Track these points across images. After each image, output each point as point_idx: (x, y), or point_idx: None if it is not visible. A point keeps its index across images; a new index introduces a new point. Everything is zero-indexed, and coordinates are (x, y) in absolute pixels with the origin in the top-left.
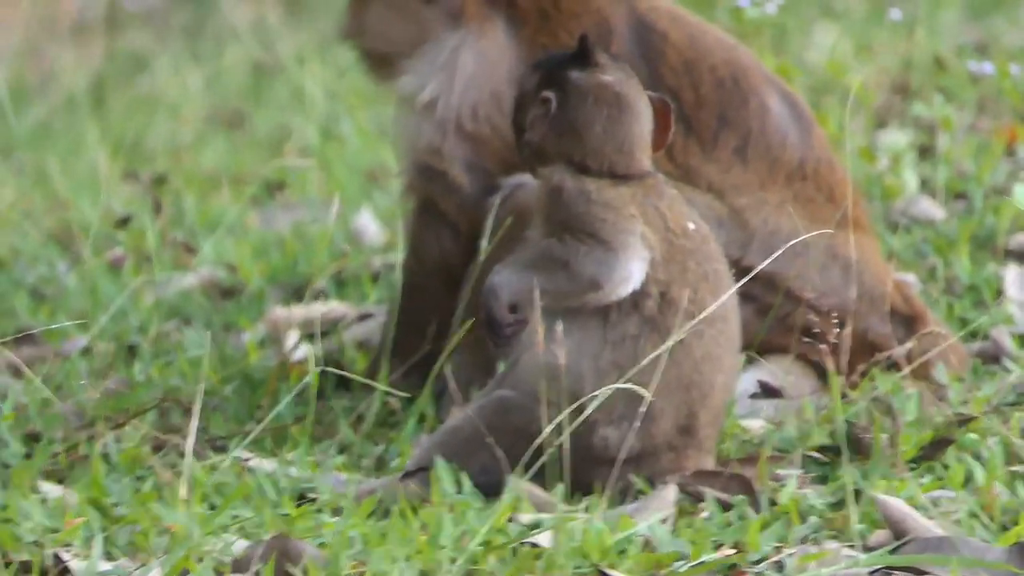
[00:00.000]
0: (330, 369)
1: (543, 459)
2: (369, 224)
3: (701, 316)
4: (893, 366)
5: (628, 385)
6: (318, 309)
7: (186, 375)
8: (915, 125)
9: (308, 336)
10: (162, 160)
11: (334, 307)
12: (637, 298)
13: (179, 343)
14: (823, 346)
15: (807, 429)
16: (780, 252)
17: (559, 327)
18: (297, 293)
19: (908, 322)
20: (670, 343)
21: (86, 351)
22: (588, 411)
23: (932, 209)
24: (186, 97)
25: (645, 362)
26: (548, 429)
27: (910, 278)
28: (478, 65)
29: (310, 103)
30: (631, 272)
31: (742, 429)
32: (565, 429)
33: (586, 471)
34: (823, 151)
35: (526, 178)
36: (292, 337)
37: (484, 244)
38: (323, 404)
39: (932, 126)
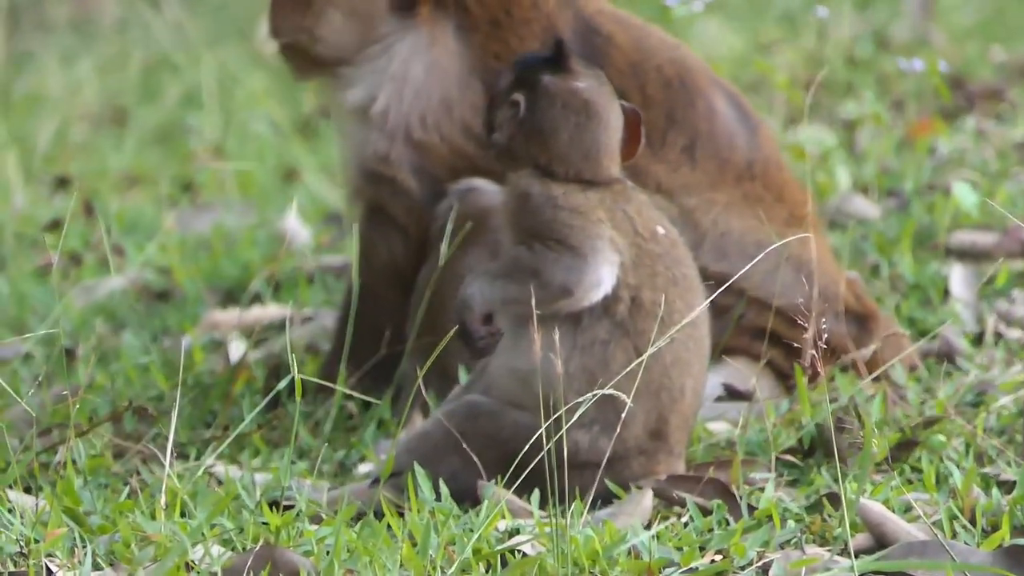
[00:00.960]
0: (303, 376)
1: (517, 465)
2: (295, 226)
3: (681, 324)
4: (849, 366)
5: (608, 391)
6: (257, 312)
7: (133, 381)
8: (830, 121)
9: (250, 339)
10: (62, 161)
11: (273, 310)
12: (608, 303)
13: (118, 348)
14: (794, 347)
15: (775, 432)
16: (757, 260)
17: (531, 332)
18: (231, 296)
19: (861, 320)
20: (650, 352)
21: (27, 357)
22: (569, 418)
23: (866, 207)
24: (73, 94)
25: (626, 370)
26: (534, 437)
27: (855, 277)
28: (429, 74)
29: (208, 99)
30: (601, 277)
31: (708, 432)
32: (545, 436)
33: (557, 475)
34: (771, 151)
35: (476, 182)
36: (236, 341)
37: (443, 249)
38: (279, 409)
39: (848, 122)
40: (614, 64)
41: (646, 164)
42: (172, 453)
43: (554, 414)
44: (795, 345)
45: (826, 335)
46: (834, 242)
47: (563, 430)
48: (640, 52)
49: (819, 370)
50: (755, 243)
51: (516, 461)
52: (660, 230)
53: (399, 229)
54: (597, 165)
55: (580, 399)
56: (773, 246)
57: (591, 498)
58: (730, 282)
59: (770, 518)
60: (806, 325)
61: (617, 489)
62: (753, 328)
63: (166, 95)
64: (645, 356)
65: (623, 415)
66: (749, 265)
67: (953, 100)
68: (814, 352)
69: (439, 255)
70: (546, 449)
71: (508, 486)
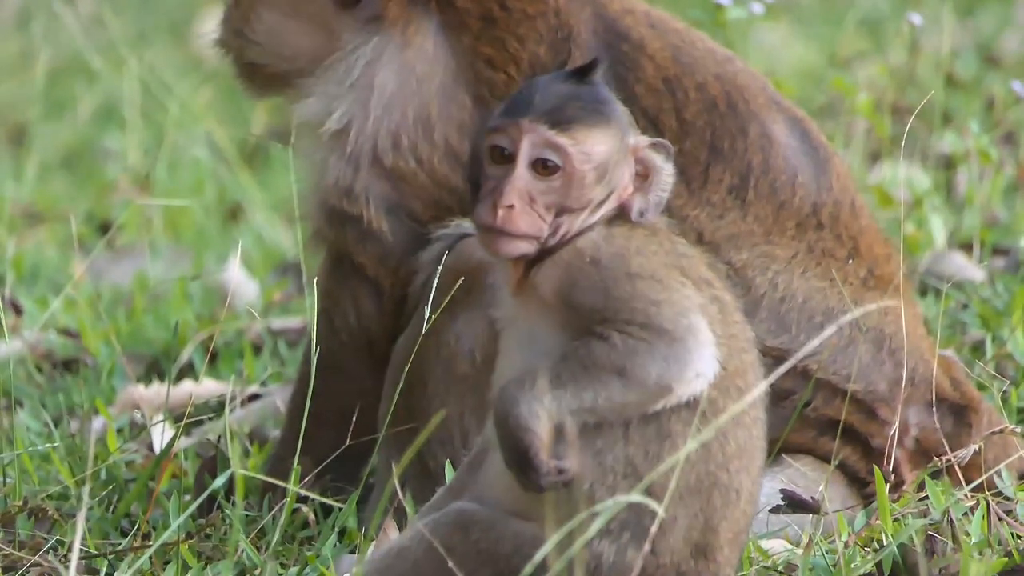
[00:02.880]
0: (246, 472)
1: None
2: (239, 277)
3: (751, 397)
4: (943, 471)
5: (636, 497)
6: (189, 388)
7: (30, 474)
8: (923, 157)
9: (179, 423)
10: None
11: (209, 386)
12: None
13: (11, 432)
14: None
15: (847, 554)
16: (828, 333)
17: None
18: (155, 367)
19: (958, 412)
20: (704, 435)
21: None
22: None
23: (968, 267)
24: None
25: (673, 460)
26: (547, 547)
27: (952, 355)
28: (401, 82)
29: (131, 114)
30: (705, 364)
31: (762, 552)
32: (555, 550)
33: None
34: (845, 192)
35: (468, 225)
36: (161, 426)
37: (426, 311)
38: (214, 513)
39: (946, 159)
40: (644, 79)
41: (682, 207)
42: (77, 567)
43: (568, 520)
44: (874, 443)
45: (914, 430)
46: (926, 311)
47: (582, 540)
48: (678, 64)
49: (904, 475)
50: (824, 311)
51: None
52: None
53: (369, 283)
54: None
55: (607, 502)
56: (848, 316)
57: None
58: (792, 361)
59: None
60: (889, 418)
61: None
62: (821, 420)
63: (78, 108)
64: (694, 441)
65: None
66: (817, 340)
67: None
68: (898, 452)
69: (421, 318)
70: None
71: None
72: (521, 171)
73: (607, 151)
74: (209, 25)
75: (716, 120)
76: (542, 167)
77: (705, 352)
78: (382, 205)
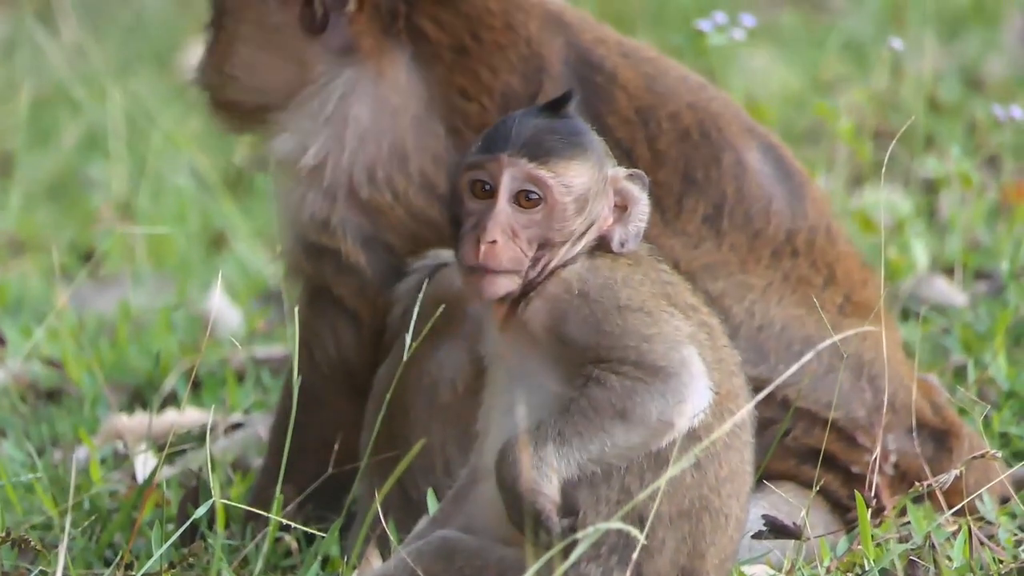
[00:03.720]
0: (227, 501)
1: None
2: (222, 306)
3: (739, 415)
4: (925, 496)
5: (616, 524)
6: (172, 417)
7: (13, 504)
8: (906, 181)
9: (162, 452)
10: None
11: (192, 415)
12: None
13: None
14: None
15: None
16: (805, 360)
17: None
18: (138, 396)
19: (939, 437)
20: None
21: None
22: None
23: (950, 292)
24: None
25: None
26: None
27: (932, 380)
28: (375, 114)
29: (115, 143)
30: (701, 396)
31: None
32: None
33: None
34: (820, 218)
35: (446, 255)
36: (144, 455)
37: (407, 340)
38: (196, 542)
39: (929, 183)
40: (617, 110)
41: (657, 237)
42: None
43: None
44: (854, 469)
45: (894, 456)
46: (906, 336)
47: (564, 565)
48: (652, 94)
49: (884, 501)
50: (802, 339)
51: None
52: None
53: (348, 315)
54: None
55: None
56: (826, 343)
57: None
58: (770, 389)
59: None
60: (869, 444)
61: None
62: (802, 447)
63: (62, 137)
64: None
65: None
66: (796, 366)
67: None
68: (879, 478)
69: (402, 348)
70: None
71: None
72: (502, 205)
73: (586, 182)
74: (193, 55)
75: (689, 150)
76: (524, 199)
77: (699, 384)
78: (359, 238)
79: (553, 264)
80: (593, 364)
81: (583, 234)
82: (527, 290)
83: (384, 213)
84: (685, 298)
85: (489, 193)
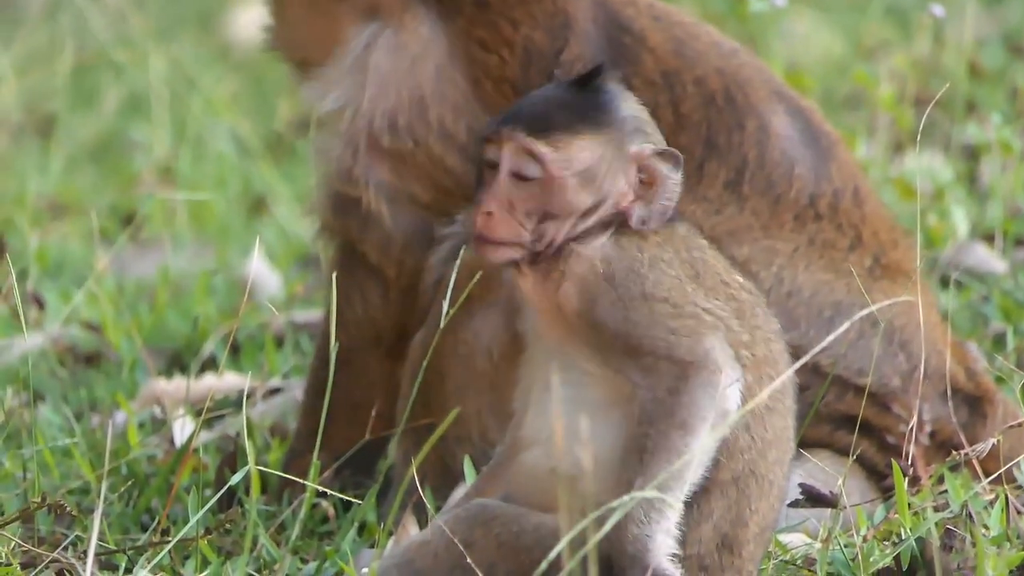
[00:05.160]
0: (261, 468)
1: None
2: (262, 271)
3: (782, 377)
4: (961, 464)
5: (651, 493)
6: (210, 382)
7: (51, 469)
8: (946, 148)
9: (200, 417)
10: None
11: (230, 379)
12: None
13: (32, 426)
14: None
15: (866, 548)
16: (843, 329)
17: (584, 424)
18: (177, 361)
19: (974, 404)
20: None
21: None
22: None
23: (990, 259)
24: None
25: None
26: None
27: (971, 348)
28: (395, 63)
29: (157, 107)
30: (732, 374)
31: (780, 547)
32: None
33: None
34: (847, 180)
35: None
36: (182, 420)
37: (444, 307)
38: (233, 508)
39: (970, 150)
40: (643, 72)
41: (680, 204)
42: (94, 564)
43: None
44: (889, 437)
45: (929, 424)
46: (948, 303)
47: (600, 532)
48: (679, 58)
49: (920, 470)
50: (832, 304)
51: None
52: (738, 278)
53: (373, 273)
54: None
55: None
56: (863, 312)
57: None
58: (810, 356)
59: None
60: (902, 411)
61: None
62: (834, 413)
63: (103, 101)
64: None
65: (693, 507)
66: (832, 337)
67: None
68: (915, 446)
69: (437, 316)
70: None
71: None
72: (502, 178)
73: (592, 157)
74: (234, 19)
75: (713, 114)
76: (522, 172)
77: (732, 374)
78: (382, 189)
79: (561, 238)
80: (625, 355)
81: (592, 209)
82: (539, 261)
83: (406, 160)
84: (716, 274)
85: (495, 167)
